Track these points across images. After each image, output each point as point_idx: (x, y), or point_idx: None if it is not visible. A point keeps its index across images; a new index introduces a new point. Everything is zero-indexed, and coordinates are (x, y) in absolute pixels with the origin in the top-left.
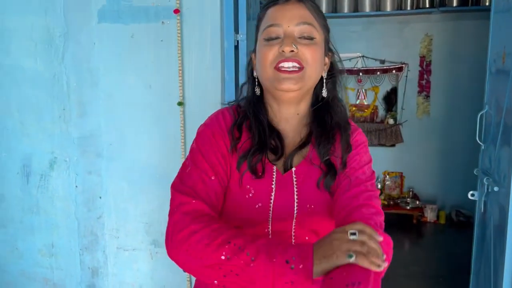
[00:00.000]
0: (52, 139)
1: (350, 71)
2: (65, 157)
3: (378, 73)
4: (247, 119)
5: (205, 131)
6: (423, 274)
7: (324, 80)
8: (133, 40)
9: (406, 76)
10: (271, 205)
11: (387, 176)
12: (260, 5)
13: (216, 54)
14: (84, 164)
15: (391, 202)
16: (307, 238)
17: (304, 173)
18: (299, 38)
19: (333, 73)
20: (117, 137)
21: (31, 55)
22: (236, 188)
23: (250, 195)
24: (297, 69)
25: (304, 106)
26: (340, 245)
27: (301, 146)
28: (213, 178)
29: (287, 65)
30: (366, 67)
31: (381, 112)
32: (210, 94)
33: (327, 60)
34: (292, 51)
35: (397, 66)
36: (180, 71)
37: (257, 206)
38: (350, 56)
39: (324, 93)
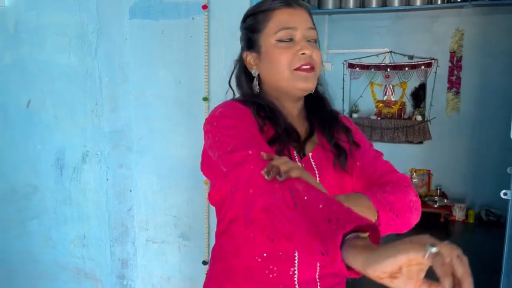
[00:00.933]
0: (85, 133)
1: (378, 67)
2: (97, 150)
3: (407, 68)
4: (262, 109)
5: (228, 110)
6: None
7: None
8: (164, 35)
9: (435, 72)
10: None
11: (414, 174)
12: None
13: None
14: (115, 158)
15: None
16: None
17: (320, 157)
18: (308, 41)
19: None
20: (147, 131)
21: (65, 51)
22: None
23: None
24: (311, 69)
25: (302, 101)
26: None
27: (310, 135)
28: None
29: (305, 67)
30: (394, 62)
31: (408, 108)
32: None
33: None
34: (310, 54)
35: (426, 62)
36: (206, 67)
37: None
38: (377, 52)
39: (320, 88)
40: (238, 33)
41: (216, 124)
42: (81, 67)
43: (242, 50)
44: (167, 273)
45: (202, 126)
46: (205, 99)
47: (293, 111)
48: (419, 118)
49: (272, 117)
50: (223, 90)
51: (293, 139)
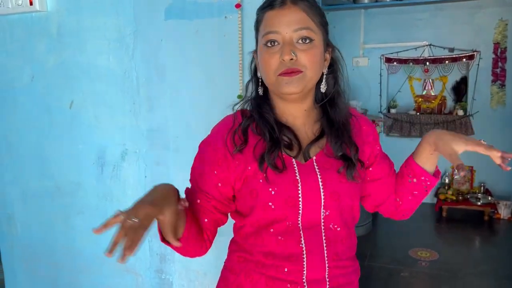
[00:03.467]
0: (123, 132)
1: (416, 61)
2: (135, 149)
3: (447, 62)
4: (253, 122)
5: (208, 138)
6: (495, 274)
7: (324, 76)
8: (198, 35)
9: (478, 65)
10: (300, 193)
11: (456, 170)
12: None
13: None
14: (153, 156)
15: (460, 197)
16: (333, 225)
17: (324, 161)
18: (298, 42)
19: (334, 68)
20: (183, 130)
21: (104, 53)
22: (262, 186)
23: (276, 189)
24: (293, 72)
25: (309, 101)
26: None
27: (317, 138)
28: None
29: (286, 73)
30: (433, 56)
31: (449, 103)
32: None
33: (327, 55)
34: (292, 59)
35: (467, 54)
36: (241, 65)
37: (286, 198)
38: (416, 45)
39: (323, 88)
40: None
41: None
42: (119, 68)
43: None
44: (204, 268)
45: None
46: (240, 96)
47: (298, 112)
48: (460, 112)
49: (261, 129)
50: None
51: (287, 147)
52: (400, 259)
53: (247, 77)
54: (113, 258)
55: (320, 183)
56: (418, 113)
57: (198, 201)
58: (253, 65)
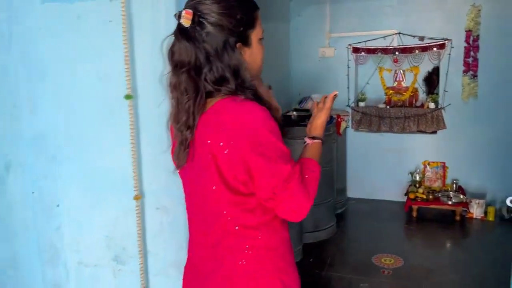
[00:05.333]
0: (4, 140)
1: (385, 50)
2: (20, 159)
3: (417, 51)
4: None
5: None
6: (463, 282)
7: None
8: (80, 21)
9: (449, 54)
10: None
11: (428, 167)
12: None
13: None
14: (39, 168)
15: (431, 196)
16: None
17: None
18: None
19: None
20: (69, 137)
21: None
22: None
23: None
24: None
25: None
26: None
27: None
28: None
29: None
30: (403, 45)
31: (421, 95)
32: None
33: None
34: None
35: (438, 43)
36: (127, 58)
37: None
38: (384, 34)
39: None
40: (165, 14)
41: (273, 132)
42: None
43: (234, 41)
44: None
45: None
46: (128, 97)
47: None
48: (432, 105)
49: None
50: (154, 85)
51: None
52: (362, 267)
53: (141, 72)
54: None
55: None
56: (388, 107)
57: None
58: (229, 55)
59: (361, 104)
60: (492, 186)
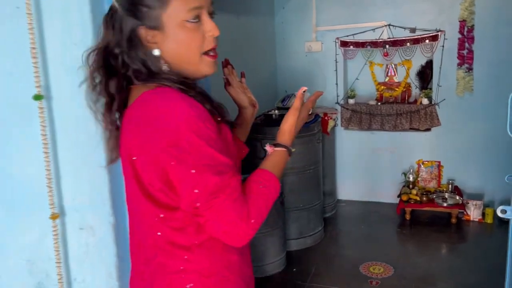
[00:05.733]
0: None
1: (375, 44)
2: None
3: (408, 44)
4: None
5: (197, 122)
6: None
7: None
8: None
9: (443, 46)
10: None
11: (422, 166)
12: None
13: (86, 23)
14: None
15: (424, 198)
16: None
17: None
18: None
19: None
20: None
21: None
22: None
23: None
24: (215, 54)
25: None
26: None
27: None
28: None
29: (213, 53)
30: (393, 37)
31: (414, 90)
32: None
33: None
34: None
35: (431, 35)
36: (34, 51)
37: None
38: (374, 26)
39: None
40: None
41: (199, 134)
42: None
43: (134, 23)
44: None
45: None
46: (38, 97)
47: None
48: (425, 101)
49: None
50: (71, 83)
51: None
52: (347, 278)
53: (53, 67)
54: None
55: None
56: (379, 103)
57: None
58: (137, 43)
59: (351, 101)
60: (490, 186)
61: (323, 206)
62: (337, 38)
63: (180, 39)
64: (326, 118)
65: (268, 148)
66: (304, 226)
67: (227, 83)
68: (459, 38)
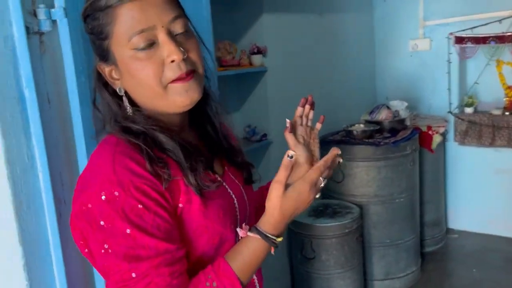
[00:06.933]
0: None
1: (501, 38)
2: None
3: None
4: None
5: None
6: None
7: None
8: None
9: None
10: (236, 206)
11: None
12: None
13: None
14: None
15: None
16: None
17: (233, 171)
18: (177, 35)
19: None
20: None
21: None
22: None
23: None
24: (189, 75)
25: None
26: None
27: (211, 149)
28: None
29: (181, 78)
30: None
31: None
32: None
33: None
34: (184, 58)
35: None
36: None
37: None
38: (500, 16)
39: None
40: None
41: (114, 204)
42: None
43: (96, 57)
44: None
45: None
46: None
47: (181, 121)
48: None
49: (170, 153)
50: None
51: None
52: None
53: None
54: None
55: (245, 195)
56: (506, 113)
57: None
58: (99, 83)
59: (468, 110)
60: None
61: (423, 239)
62: (451, 34)
63: (133, 73)
64: (430, 132)
65: (240, 232)
66: (391, 265)
67: (290, 128)
68: None
